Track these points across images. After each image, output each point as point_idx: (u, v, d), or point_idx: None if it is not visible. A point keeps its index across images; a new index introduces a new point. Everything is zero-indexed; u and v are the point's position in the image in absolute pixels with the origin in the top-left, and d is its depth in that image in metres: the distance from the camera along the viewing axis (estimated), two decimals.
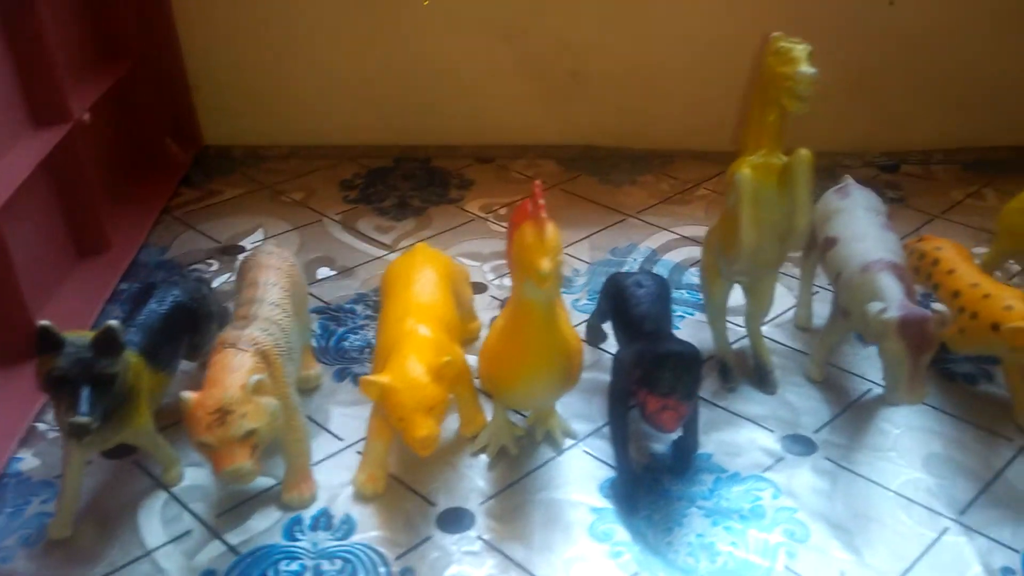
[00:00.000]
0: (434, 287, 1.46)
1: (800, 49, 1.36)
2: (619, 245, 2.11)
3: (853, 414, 1.57)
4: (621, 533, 1.33)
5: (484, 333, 1.71)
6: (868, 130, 2.48)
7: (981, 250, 1.88)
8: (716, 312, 1.64)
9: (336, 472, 1.44)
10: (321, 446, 1.50)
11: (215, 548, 1.31)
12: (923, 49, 2.37)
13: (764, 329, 1.69)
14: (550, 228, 1.20)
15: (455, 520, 1.36)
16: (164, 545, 1.32)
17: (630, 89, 2.46)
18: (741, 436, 1.51)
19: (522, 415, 1.55)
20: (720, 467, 1.45)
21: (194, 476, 1.44)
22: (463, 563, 1.28)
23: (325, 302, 1.90)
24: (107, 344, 1.22)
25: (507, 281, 1.94)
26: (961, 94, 2.42)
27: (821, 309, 1.78)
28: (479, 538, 1.32)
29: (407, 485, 1.42)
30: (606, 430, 1.50)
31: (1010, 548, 1.30)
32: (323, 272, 2.01)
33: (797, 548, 1.30)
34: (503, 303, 1.82)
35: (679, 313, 1.83)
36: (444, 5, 2.37)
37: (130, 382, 1.28)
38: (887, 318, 1.36)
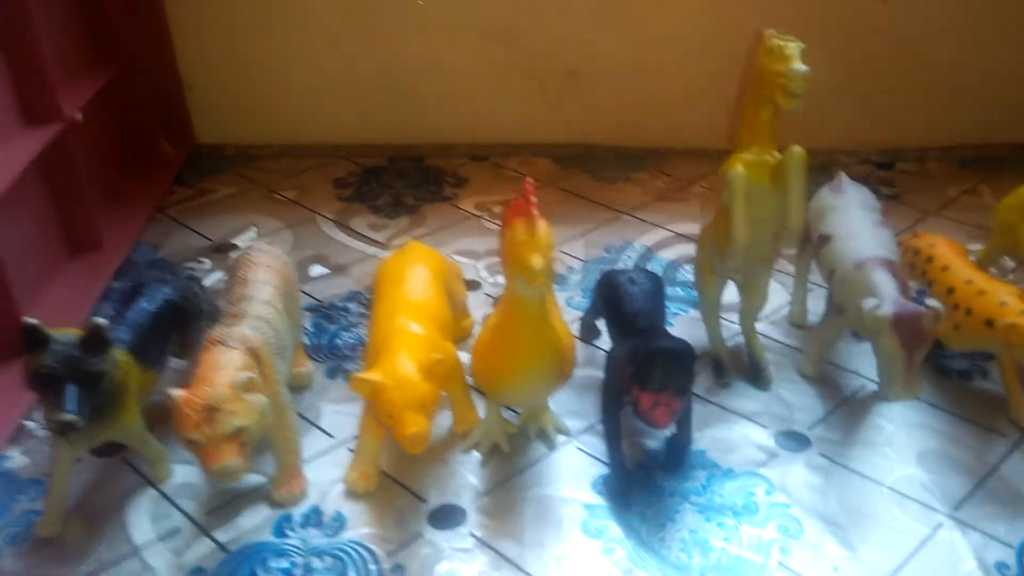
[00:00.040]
0: (426, 284, 1.46)
1: (793, 47, 1.36)
2: (614, 243, 2.10)
3: (847, 410, 1.56)
4: (614, 529, 1.32)
5: (478, 331, 1.70)
6: (863, 128, 2.48)
7: (976, 247, 1.87)
8: (710, 309, 1.64)
9: (327, 469, 1.44)
10: (312, 443, 1.49)
11: (204, 546, 1.31)
12: (918, 46, 2.36)
13: (759, 326, 1.69)
14: (542, 225, 1.20)
15: (447, 517, 1.35)
16: (153, 543, 1.31)
17: (625, 87, 2.45)
18: (735, 432, 1.51)
19: (515, 412, 1.55)
20: (714, 463, 1.44)
21: (184, 473, 1.43)
22: (454, 560, 1.28)
23: (318, 300, 1.89)
24: (94, 342, 1.22)
25: (501, 279, 1.93)
26: (956, 91, 2.42)
27: (816, 306, 1.78)
28: (471, 535, 1.32)
29: (399, 482, 1.42)
30: (599, 427, 1.49)
31: (1005, 543, 1.29)
32: (316, 270, 2.00)
33: (791, 544, 1.29)
34: (497, 301, 1.81)
35: (674, 310, 1.83)
36: (439, 4, 2.36)
37: (118, 380, 1.28)
38: (881, 314, 1.35)
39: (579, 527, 1.33)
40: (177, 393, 1.19)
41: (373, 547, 1.30)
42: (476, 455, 1.47)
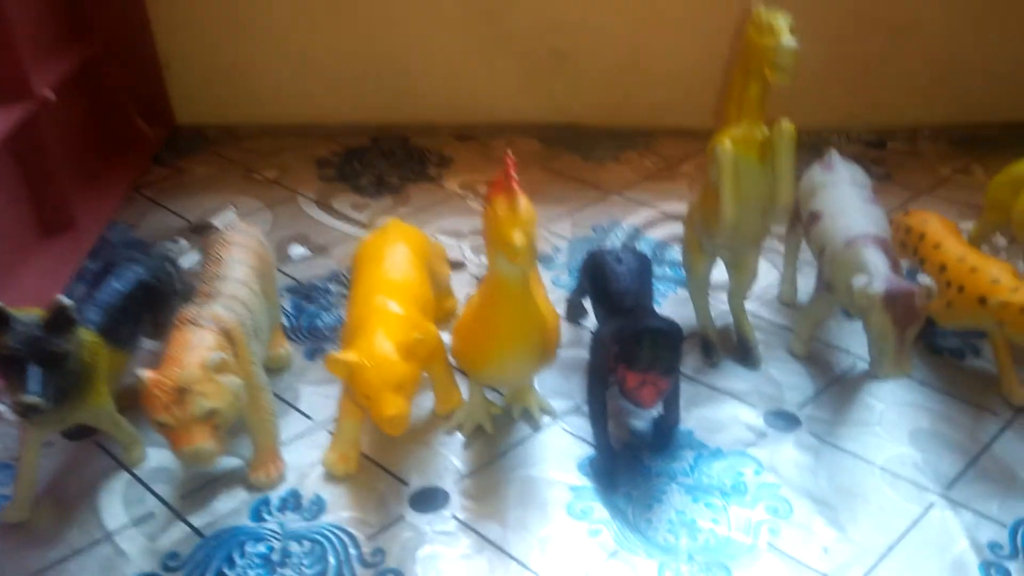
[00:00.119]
0: (407, 263, 1.42)
1: (782, 21, 1.33)
2: (601, 222, 2.08)
3: (838, 389, 1.54)
4: (600, 511, 1.30)
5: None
6: (854, 107, 2.46)
7: (968, 225, 1.86)
8: (699, 288, 1.62)
9: (306, 452, 1.41)
10: (291, 425, 1.46)
11: (179, 530, 1.28)
12: (909, 25, 2.34)
13: (748, 305, 1.67)
14: (523, 201, 1.16)
15: (429, 500, 1.33)
16: (126, 527, 1.28)
17: (613, 66, 2.42)
18: (723, 412, 1.49)
19: (499, 393, 1.52)
20: (702, 443, 1.42)
21: (158, 457, 1.40)
22: (437, 543, 1.25)
23: (298, 280, 1.86)
24: (58, 321, 1.18)
25: (486, 259, 1.91)
26: (948, 70, 2.40)
27: (805, 284, 1.75)
28: (453, 517, 1.29)
29: (380, 464, 1.39)
30: (585, 407, 1.46)
31: (997, 522, 1.28)
32: (297, 251, 1.97)
33: (780, 524, 1.27)
34: (481, 281, 1.79)
35: (662, 290, 1.81)
36: None
37: (85, 360, 1.24)
38: (872, 291, 1.33)
39: (564, 509, 1.31)
40: (146, 374, 1.16)
41: (353, 531, 1.27)
42: (459, 437, 1.44)
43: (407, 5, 2.35)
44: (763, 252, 1.60)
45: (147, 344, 1.50)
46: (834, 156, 1.65)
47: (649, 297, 1.48)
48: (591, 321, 1.60)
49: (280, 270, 1.86)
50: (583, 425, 1.44)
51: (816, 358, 1.61)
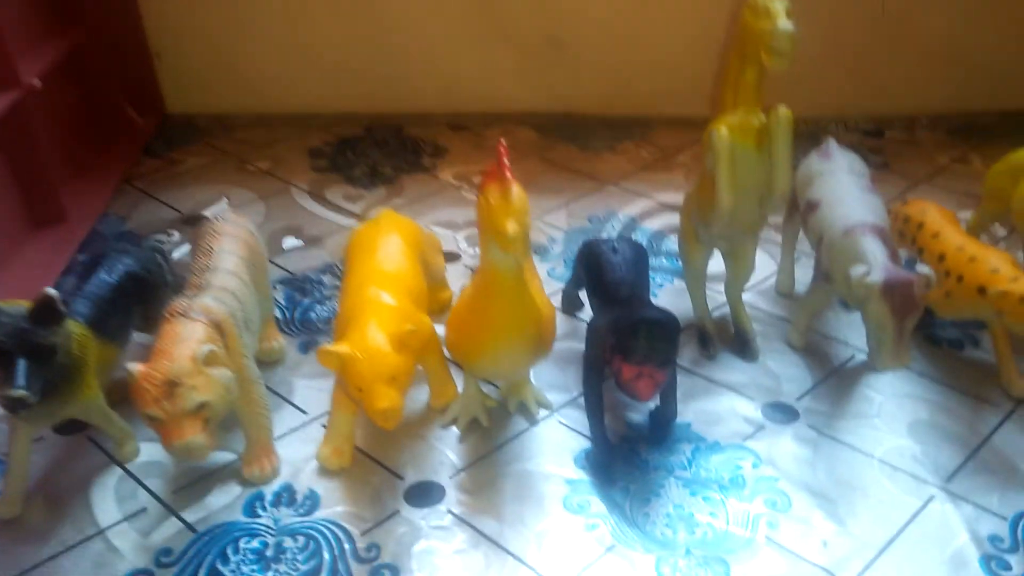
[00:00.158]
0: (400, 254, 1.41)
1: (778, 4, 1.31)
2: (597, 213, 2.07)
3: (836, 381, 1.53)
4: (597, 505, 1.29)
5: None
6: (851, 95, 2.44)
7: (967, 215, 1.85)
8: (695, 278, 1.60)
9: (300, 446, 1.40)
10: (284, 419, 1.45)
11: (172, 526, 1.26)
12: (907, 12, 2.32)
13: (745, 296, 1.65)
14: (515, 189, 1.14)
15: (424, 494, 1.31)
16: (118, 523, 1.27)
17: (609, 54, 2.40)
18: (721, 404, 1.48)
19: (495, 385, 1.51)
20: (699, 436, 1.41)
21: (150, 452, 1.38)
22: (432, 538, 1.24)
23: (291, 272, 1.84)
24: (44, 313, 1.16)
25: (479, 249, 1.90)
26: (946, 58, 2.38)
27: (803, 275, 1.74)
28: (449, 512, 1.28)
29: (374, 458, 1.38)
30: (581, 400, 1.45)
31: (997, 515, 1.27)
32: (290, 242, 1.96)
33: (779, 518, 1.26)
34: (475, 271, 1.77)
35: (658, 281, 1.79)
36: None
37: (74, 353, 1.22)
38: (870, 281, 1.32)
39: (561, 503, 1.29)
40: (136, 367, 1.14)
41: (348, 526, 1.26)
42: (454, 430, 1.43)
43: None
44: (760, 242, 1.59)
45: (138, 337, 1.48)
46: (832, 144, 1.63)
47: (645, 288, 1.47)
48: (587, 313, 1.59)
49: (273, 262, 1.85)
50: (580, 418, 1.43)
51: (814, 350, 1.60)
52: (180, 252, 1.90)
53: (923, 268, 1.34)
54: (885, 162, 2.28)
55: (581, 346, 1.46)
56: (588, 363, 1.39)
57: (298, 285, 1.80)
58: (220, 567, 1.19)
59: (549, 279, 1.80)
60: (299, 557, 1.21)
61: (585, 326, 1.51)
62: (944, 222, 1.58)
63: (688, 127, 2.40)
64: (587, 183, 2.20)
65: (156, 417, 1.13)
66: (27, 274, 1.76)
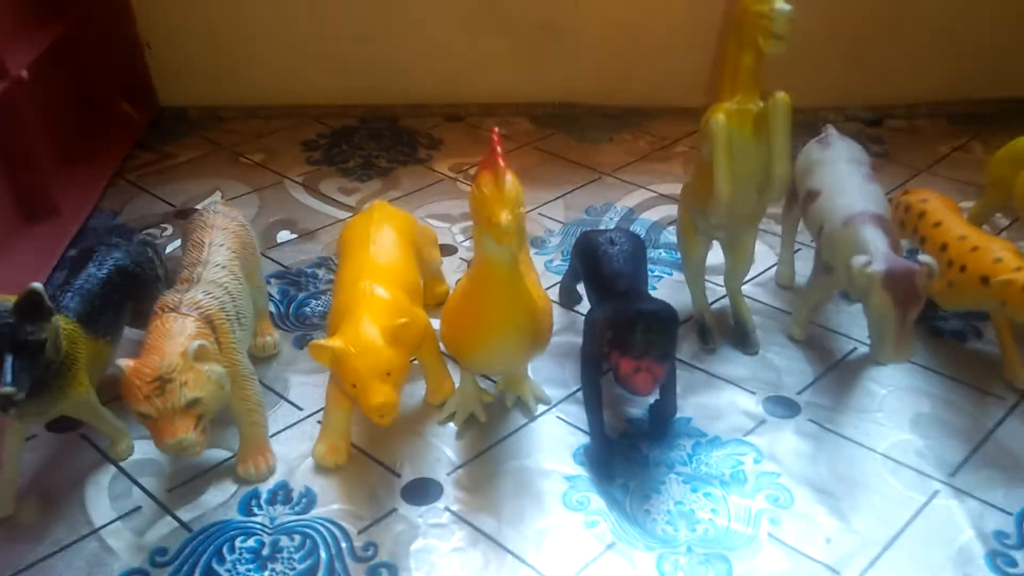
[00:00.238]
0: (393, 246, 1.39)
1: None
2: (595, 204, 2.05)
3: (838, 374, 1.51)
4: (596, 502, 1.27)
5: None
6: (850, 83, 2.42)
7: (968, 204, 1.83)
8: (694, 271, 1.59)
9: (296, 443, 1.38)
10: (280, 416, 1.43)
11: (166, 525, 1.25)
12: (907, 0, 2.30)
13: (745, 288, 1.64)
14: (509, 178, 1.12)
15: (421, 491, 1.30)
16: (112, 522, 1.25)
17: (606, 43, 2.38)
18: (721, 399, 1.46)
19: (492, 381, 1.49)
20: (699, 431, 1.39)
21: (144, 449, 1.37)
22: (430, 536, 1.22)
23: (285, 266, 1.82)
24: (31, 308, 1.13)
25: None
26: (946, 45, 2.36)
27: (804, 267, 1.72)
28: (447, 510, 1.26)
29: (370, 456, 1.36)
30: (580, 395, 1.43)
31: (1003, 510, 1.25)
32: (284, 235, 1.94)
33: (781, 514, 1.25)
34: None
35: (657, 273, 1.77)
36: None
37: (64, 350, 1.20)
38: (872, 271, 1.30)
39: (560, 500, 1.28)
40: (126, 364, 1.12)
41: (344, 524, 1.24)
42: (451, 427, 1.41)
43: None
44: (760, 234, 1.57)
45: (130, 333, 1.46)
46: (832, 133, 1.62)
47: (643, 280, 1.45)
48: (586, 306, 1.57)
49: (267, 256, 1.83)
50: (578, 414, 1.42)
51: (815, 342, 1.58)
52: (173, 247, 1.88)
53: (925, 258, 1.32)
54: (885, 151, 2.26)
55: (579, 340, 1.44)
56: (586, 357, 1.37)
57: (292, 279, 1.78)
58: (216, 566, 1.18)
59: (546, 272, 1.78)
60: (296, 556, 1.19)
61: (583, 319, 1.49)
62: (946, 211, 1.56)
63: (686, 117, 2.38)
64: (584, 174, 2.18)
65: (147, 414, 1.11)
66: (18, 269, 1.73)
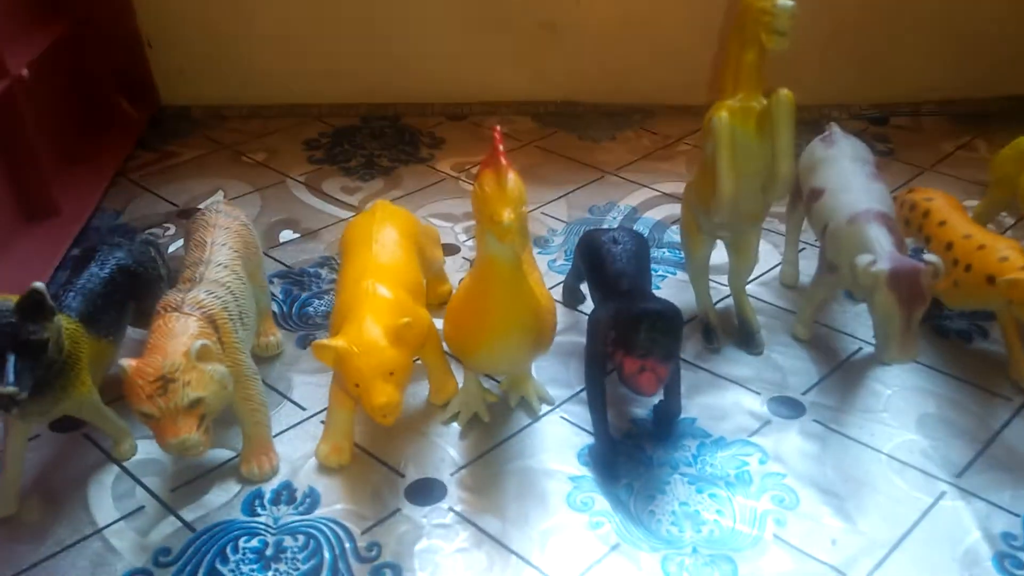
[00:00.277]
0: (395, 246, 1.38)
1: None
2: (598, 203, 2.04)
3: (843, 374, 1.51)
4: (601, 502, 1.27)
5: None
6: (855, 82, 2.41)
7: (973, 203, 1.82)
8: (698, 270, 1.58)
9: (299, 443, 1.38)
10: (283, 416, 1.43)
11: (170, 525, 1.25)
12: None
13: (749, 287, 1.63)
14: (511, 176, 1.12)
15: (425, 492, 1.29)
16: (115, 522, 1.25)
17: (608, 41, 2.37)
18: (726, 399, 1.45)
19: (496, 380, 1.48)
20: (704, 432, 1.39)
21: (147, 449, 1.36)
22: (433, 537, 1.22)
23: (288, 266, 1.82)
24: (33, 308, 1.13)
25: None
26: (951, 43, 2.36)
27: (808, 266, 1.72)
28: (451, 510, 1.26)
29: (374, 456, 1.35)
30: (584, 395, 1.43)
31: (1010, 512, 1.24)
32: (286, 235, 1.93)
33: (786, 515, 1.24)
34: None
35: (660, 273, 1.77)
36: None
37: (66, 349, 1.20)
38: (877, 270, 1.29)
39: (564, 500, 1.27)
40: (128, 363, 1.12)
41: (348, 524, 1.24)
42: (455, 427, 1.41)
43: None
44: (763, 233, 1.57)
45: (133, 333, 1.46)
46: (836, 130, 1.61)
47: (647, 280, 1.44)
48: (589, 305, 1.56)
49: (270, 255, 1.83)
50: (582, 414, 1.41)
51: (820, 342, 1.58)
52: (175, 246, 1.88)
53: (931, 257, 1.31)
54: (889, 149, 2.25)
55: (583, 340, 1.44)
56: (590, 357, 1.37)
57: (295, 279, 1.78)
58: (219, 567, 1.17)
59: (549, 271, 1.77)
60: (299, 556, 1.19)
61: (586, 319, 1.49)
62: (951, 210, 1.56)
63: (689, 115, 2.38)
64: (587, 172, 2.17)
65: (150, 414, 1.11)
66: (20, 268, 1.73)
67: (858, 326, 1.60)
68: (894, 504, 1.26)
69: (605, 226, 1.93)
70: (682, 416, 1.40)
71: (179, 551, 1.20)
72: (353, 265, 1.34)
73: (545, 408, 1.44)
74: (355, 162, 2.24)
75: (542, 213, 1.99)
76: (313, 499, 1.28)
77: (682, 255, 1.65)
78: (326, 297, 1.71)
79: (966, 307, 1.53)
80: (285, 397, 1.47)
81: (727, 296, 1.65)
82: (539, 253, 1.83)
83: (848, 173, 1.51)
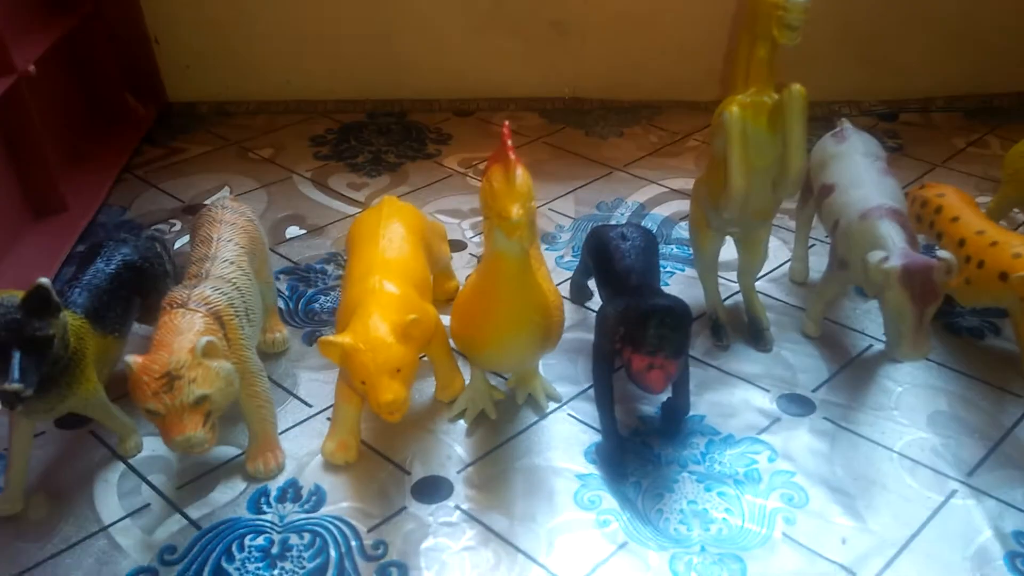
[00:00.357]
0: (402, 242, 1.37)
1: None
2: (605, 199, 2.03)
3: (853, 371, 1.49)
4: (608, 500, 1.26)
5: None
6: (865, 78, 2.40)
7: (985, 199, 1.81)
8: (707, 267, 1.57)
9: (305, 440, 1.37)
10: (289, 413, 1.42)
11: (175, 522, 1.24)
12: None
13: (758, 284, 1.62)
14: (520, 172, 1.11)
15: (431, 489, 1.29)
16: (121, 519, 1.25)
17: (616, 37, 2.36)
18: (735, 396, 1.44)
19: (503, 377, 1.48)
20: (713, 429, 1.38)
21: (153, 446, 1.36)
22: (440, 535, 1.21)
23: (294, 262, 1.81)
24: (39, 304, 1.12)
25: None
26: (961, 38, 2.34)
27: (818, 262, 1.71)
28: (457, 508, 1.25)
29: (380, 453, 1.35)
30: (592, 392, 1.42)
31: (1022, 511, 1.23)
32: (292, 231, 1.93)
33: (795, 514, 1.23)
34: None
35: (669, 269, 1.76)
36: None
37: (72, 346, 1.20)
38: (889, 267, 1.28)
39: (571, 498, 1.27)
40: (134, 360, 1.11)
41: (354, 522, 1.23)
42: (462, 424, 1.40)
43: None
44: (774, 229, 1.55)
45: (140, 329, 1.45)
46: (847, 126, 1.60)
47: (655, 276, 1.44)
48: (597, 302, 1.56)
49: (276, 252, 1.82)
50: (590, 411, 1.40)
51: (830, 339, 1.56)
52: (181, 242, 1.87)
53: (944, 253, 1.30)
54: (901, 145, 2.24)
55: (591, 336, 1.43)
56: (598, 354, 1.36)
57: (301, 275, 1.77)
58: (225, 565, 1.17)
59: (557, 268, 1.77)
60: (305, 554, 1.19)
61: (594, 316, 1.48)
62: (963, 206, 1.54)
63: (697, 111, 2.37)
64: (595, 169, 2.16)
65: (156, 411, 1.11)
66: (26, 264, 1.74)
67: (868, 323, 1.59)
68: (904, 503, 1.24)
69: (613, 222, 1.92)
70: (691, 413, 1.39)
71: (185, 549, 1.20)
72: (360, 261, 1.34)
73: (552, 405, 1.44)
74: (362, 158, 2.24)
75: (550, 209, 1.98)
76: (319, 497, 1.27)
77: (691, 251, 1.64)
78: (332, 293, 1.71)
79: (978, 304, 1.51)
80: (291, 394, 1.46)
81: (736, 292, 1.64)
82: (546, 249, 1.82)
83: (860, 169, 1.49)
